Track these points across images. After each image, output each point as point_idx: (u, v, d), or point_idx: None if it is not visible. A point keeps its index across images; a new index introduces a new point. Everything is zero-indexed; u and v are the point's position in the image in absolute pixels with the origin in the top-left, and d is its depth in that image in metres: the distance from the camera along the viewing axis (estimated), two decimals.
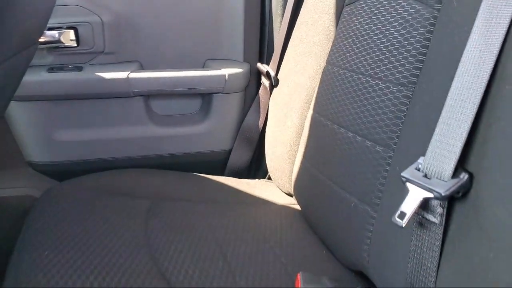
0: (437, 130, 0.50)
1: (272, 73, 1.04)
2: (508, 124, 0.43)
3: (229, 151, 1.14)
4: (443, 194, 0.46)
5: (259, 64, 1.10)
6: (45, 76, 0.99)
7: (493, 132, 0.44)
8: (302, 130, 0.92)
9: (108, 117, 1.05)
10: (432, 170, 0.48)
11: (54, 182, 1.07)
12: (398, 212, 0.49)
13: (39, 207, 0.78)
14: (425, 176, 0.49)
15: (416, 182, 0.49)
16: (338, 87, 0.78)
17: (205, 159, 1.13)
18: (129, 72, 1.02)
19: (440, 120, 0.50)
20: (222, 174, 1.10)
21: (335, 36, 0.85)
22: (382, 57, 0.69)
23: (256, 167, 1.17)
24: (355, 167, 0.70)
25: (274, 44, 1.09)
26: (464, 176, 0.46)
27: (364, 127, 0.69)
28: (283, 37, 1.03)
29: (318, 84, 0.87)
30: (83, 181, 0.90)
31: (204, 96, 1.11)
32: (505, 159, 0.43)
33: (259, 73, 1.12)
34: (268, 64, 1.09)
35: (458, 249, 0.46)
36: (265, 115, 1.09)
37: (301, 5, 0.99)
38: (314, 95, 0.88)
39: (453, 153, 0.47)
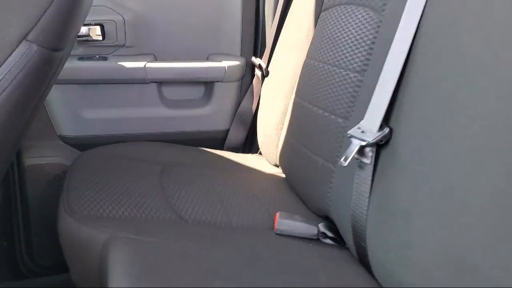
0: (372, 100, 0.71)
1: (264, 65, 1.25)
2: (414, 89, 0.64)
3: (227, 130, 1.36)
4: (370, 142, 0.67)
5: (253, 58, 1.32)
6: (76, 64, 1.20)
7: (405, 98, 0.66)
8: (287, 111, 1.13)
9: (127, 99, 1.26)
10: (367, 127, 0.70)
11: (80, 152, 1.28)
12: (343, 157, 0.71)
13: (76, 165, 1.00)
14: (362, 132, 0.70)
15: (356, 136, 0.70)
16: (314, 75, 0.99)
17: (207, 136, 1.34)
18: (146, 62, 1.24)
19: (374, 94, 0.71)
20: (221, 149, 1.31)
21: (313, 35, 1.06)
22: (345, 51, 0.90)
23: (249, 144, 1.39)
24: (323, 135, 0.91)
25: (266, 41, 1.30)
26: (386, 129, 0.67)
27: (330, 104, 0.90)
28: (273, 36, 1.25)
29: (299, 74, 1.08)
30: (106, 149, 1.11)
31: (207, 84, 1.32)
32: (411, 116, 0.64)
33: (253, 66, 1.33)
34: (261, 58, 1.30)
35: (382, 181, 0.68)
36: (258, 100, 1.30)
37: (289, 10, 1.20)
38: (296, 83, 1.10)
39: (379, 114, 0.68)
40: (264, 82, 1.27)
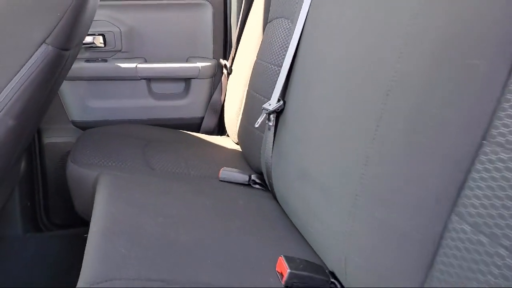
0: (276, 84, 1.05)
1: (228, 65, 1.60)
2: (296, 74, 0.98)
3: (202, 118, 1.71)
4: (270, 110, 1.02)
5: (221, 60, 1.67)
6: (83, 65, 1.57)
7: (292, 80, 1.00)
8: (243, 100, 1.48)
9: (123, 92, 1.62)
10: (272, 102, 1.04)
11: None
12: (257, 122, 1.05)
13: (81, 138, 1.36)
14: (269, 105, 1.05)
15: (265, 107, 1.05)
16: (258, 70, 1.34)
17: (186, 122, 1.70)
18: (137, 63, 1.60)
19: (277, 80, 1.05)
20: (197, 132, 1.66)
21: (261, 41, 1.41)
22: (274, 51, 1.24)
23: (219, 128, 1.74)
24: (259, 113, 1.25)
25: (232, 46, 1.66)
26: (280, 102, 1.02)
27: (263, 90, 1.25)
28: (235, 42, 1.60)
29: (252, 71, 1.43)
30: (104, 128, 1.47)
31: (186, 80, 1.68)
32: (294, 92, 0.98)
33: (222, 66, 1.68)
34: (227, 59, 1.66)
35: (278, 136, 1.02)
36: (225, 93, 1.65)
37: (246, 22, 1.55)
38: (249, 78, 1.44)
39: (277, 92, 1.03)
40: (229, 78, 1.62)
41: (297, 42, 1.01)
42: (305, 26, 1.00)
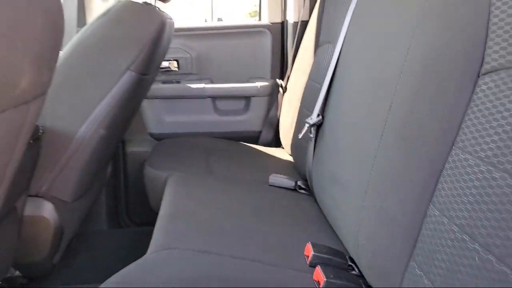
0: (317, 101, 1.22)
1: (284, 85, 1.79)
2: (333, 94, 1.15)
3: (260, 131, 1.91)
4: (311, 123, 1.18)
5: (278, 80, 1.87)
6: (160, 86, 1.84)
7: (330, 98, 1.16)
8: (296, 116, 1.65)
9: (192, 109, 1.87)
10: (313, 116, 1.21)
11: None
12: (300, 134, 1.23)
13: (157, 146, 1.61)
14: (311, 119, 1.21)
15: (307, 121, 1.22)
16: (309, 90, 1.51)
17: (245, 135, 1.90)
18: (204, 84, 1.84)
19: (319, 97, 1.22)
20: (255, 144, 1.86)
21: (312, 64, 1.58)
22: (320, 72, 1.41)
23: (275, 141, 1.92)
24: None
25: (287, 68, 1.84)
26: (319, 117, 1.18)
27: (313, 106, 1.42)
28: (291, 64, 1.79)
29: (303, 90, 1.61)
30: (176, 139, 1.72)
31: (246, 98, 1.89)
32: (331, 108, 1.15)
33: (278, 85, 1.88)
34: (283, 79, 1.85)
35: (318, 147, 1.19)
36: (280, 109, 1.84)
37: (299, 46, 1.74)
38: (301, 96, 1.62)
39: (317, 108, 1.19)
40: (284, 96, 1.80)
41: (335, 64, 1.18)
42: (342, 51, 1.17)
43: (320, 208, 1.19)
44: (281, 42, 1.89)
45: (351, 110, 0.99)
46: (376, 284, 0.76)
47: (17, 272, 1.31)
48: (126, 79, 1.15)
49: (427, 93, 0.69)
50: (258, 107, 1.89)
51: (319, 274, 0.80)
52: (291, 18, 1.81)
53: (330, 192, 1.05)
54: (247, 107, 1.91)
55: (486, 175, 0.55)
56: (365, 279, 0.82)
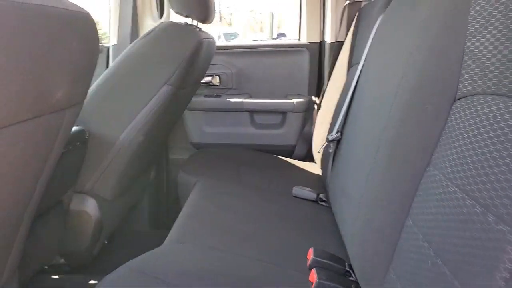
0: (339, 118, 1.29)
1: (318, 102, 1.87)
2: (351, 113, 1.22)
3: (295, 146, 1.99)
4: (330, 139, 1.26)
5: (313, 97, 1.95)
6: (202, 99, 1.97)
7: (348, 116, 1.23)
8: (327, 132, 1.72)
9: (231, 122, 1.99)
10: (333, 133, 1.28)
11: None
12: (319, 149, 1.30)
13: (194, 154, 1.74)
14: (331, 135, 1.29)
15: (327, 137, 1.29)
16: (339, 108, 1.58)
17: (280, 149, 1.99)
18: (243, 99, 1.96)
19: (340, 114, 1.29)
20: (289, 158, 1.94)
21: (344, 83, 1.65)
22: (348, 91, 1.48)
23: (309, 155, 1.99)
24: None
25: (323, 86, 1.92)
26: (338, 133, 1.25)
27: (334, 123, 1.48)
28: (326, 83, 1.86)
29: (335, 108, 1.67)
30: (212, 150, 1.84)
31: (282, 113, 1.99)
32: (349, 126, 1.21)
33: (313, 102, 1.95)
34: (318, 97, 1.92)
35: (335, 162, 1.25)
36: (314, 125, 1.91)
37: (334, 66, 1.81)
38: (333, 113, 1.69)
39: (337, 125, 1.26)
40: (318, 113, 1.88)
41: (355, 84, 1.25)
42: (361, 72, 1.23)
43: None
44: (318, 61, 1.97)
45: (359, 127, 1.05)
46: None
47: (62, 260, 1.47)
48: (164, 92, 1.28)
49: (413, 115, 0.75)
50: (294, 122, 1.98)
51: (313, 275, 0.87)
52: (328, 38, 1.89)
53: (339, 203, 1.11)
54: (283, 122, 2.00)
55: (453, 195, 0.61)
56: (359, 284, 0.88)
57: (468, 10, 0.65)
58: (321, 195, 1.43)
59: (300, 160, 1.93)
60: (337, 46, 1.82)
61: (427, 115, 0.71)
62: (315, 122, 1.93)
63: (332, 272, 0.90)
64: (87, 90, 0.80)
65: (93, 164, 1.28)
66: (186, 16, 1.45)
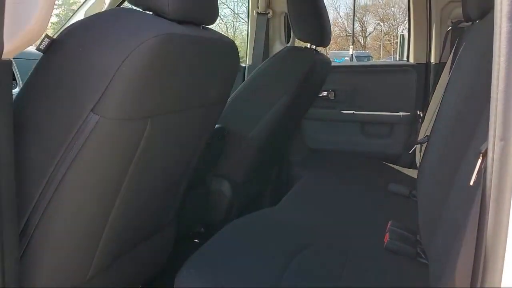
0: (429, 126, 1.52)
1: (422, 115, 2.07)
2: (437, 118, 1.44)
3: (400, 155, 2.21)
4: (418, 141, 1.49)
5: (418, 111, 2.15)
6: (319, 110, 2.31)
7: (435, 122, 1.46)
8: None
9: (343, 130, 2.29)
10: (424, 138, 1.51)
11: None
12: (411, 150, 1.54)
13: (307, 156, 2.08)
14: (421, 139, 1.52)
15: (418, 140, 1.52)
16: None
17: (387, 157, 2.22)
18: (354, 111, 2.25)
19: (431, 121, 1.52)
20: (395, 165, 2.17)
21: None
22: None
23: (413, 163, 2.19)
24: None
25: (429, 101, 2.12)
26: (425, 137, 1.48)
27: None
28: (430, 98, 2.07)
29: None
30: (324, 154, 2.16)
31: (390, 125, 2.22)
32: (433, 131, 1.44)
33: (418, 115, 2.16)
34: (423, 111, 2.12)
35: (422, 162, 1.48)
36: (418, 136, 2.11)
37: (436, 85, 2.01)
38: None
39: (426, 130, 1.49)
40: (422, 125, 2.08)
41: (442, 95, 1.47)
42: (448, 85, 1.46)
43: None
44: (424, 79, 2.18)
45: (442, 135, 1.30)
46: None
47: (202, 229, 1.91)
48: (282, 101, 1.66)
49: (464, 116, 1.00)
50: (400, 133, 2.20)
51: (387, 236, 1.14)
52: (433, 59, 2.09)
53: (420, 197, 1.35)
54: (390, 132, 2.23)
55: None
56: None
57: None
58: (413, 192, 1.65)
59: (406, 167, 2.14)
60: (441, 66, 2.02)
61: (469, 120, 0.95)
62: (419, 133, 2.13)
63: (403, 236, 1.16)
64: (229, 94, 1.20)
65: (229, 154, 1.70)
66: (306, 41, 1.82)
